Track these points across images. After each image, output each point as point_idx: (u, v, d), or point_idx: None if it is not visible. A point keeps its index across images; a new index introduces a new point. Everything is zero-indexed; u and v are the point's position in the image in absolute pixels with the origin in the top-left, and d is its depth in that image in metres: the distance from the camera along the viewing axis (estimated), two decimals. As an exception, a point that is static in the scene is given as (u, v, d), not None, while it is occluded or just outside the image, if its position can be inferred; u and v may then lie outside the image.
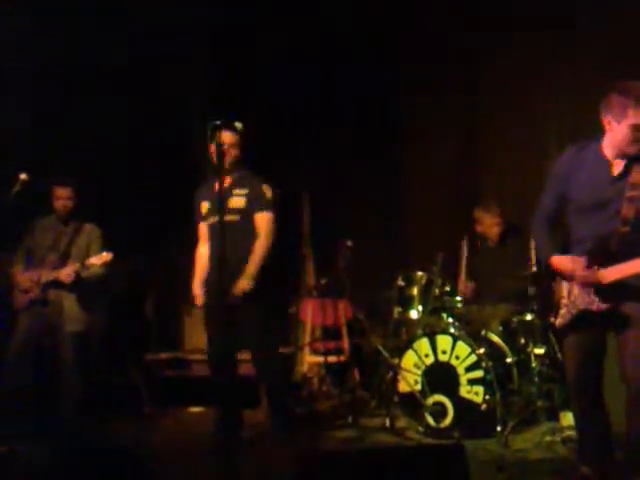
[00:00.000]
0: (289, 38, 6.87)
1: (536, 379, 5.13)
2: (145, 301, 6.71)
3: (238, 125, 4.14)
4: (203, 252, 4.95)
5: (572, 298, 3.69)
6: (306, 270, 7.16)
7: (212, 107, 6.87)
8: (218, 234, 4.56)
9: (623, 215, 3.56)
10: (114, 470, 3.16)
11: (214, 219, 4.76)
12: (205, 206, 4.89)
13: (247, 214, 4.76)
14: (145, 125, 6.29)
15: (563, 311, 3.75)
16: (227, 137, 4.66)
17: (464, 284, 5.77)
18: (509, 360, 5.27)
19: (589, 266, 3.66)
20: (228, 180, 4.79)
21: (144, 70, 6.50)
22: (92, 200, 5.52)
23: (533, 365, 5.18)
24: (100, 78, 6.30)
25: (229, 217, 4.65)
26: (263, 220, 4.78)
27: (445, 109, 6.82)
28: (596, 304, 3.61)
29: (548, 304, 3.87)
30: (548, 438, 4.79)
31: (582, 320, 3.70)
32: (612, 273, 3.58)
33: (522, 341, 5.33)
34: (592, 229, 3.71)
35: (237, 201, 4.75)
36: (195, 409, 6.10)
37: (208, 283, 4.86)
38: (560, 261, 3.74)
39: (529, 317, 5.37)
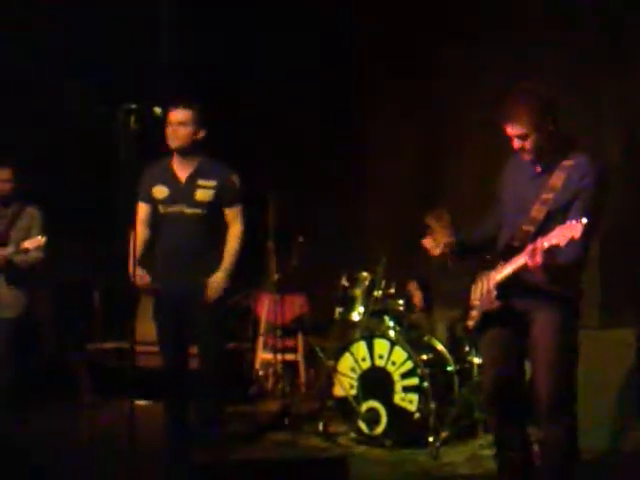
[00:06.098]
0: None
1: (476, 390, 4.94)
2: (93, 289, 6.57)
3: (157, 110, 3.90)
4: (143, 232, 4.52)
5: (478, 300, 3.58)
6: (269, 264, 6.99)
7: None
8: (179, 225, 4.42)
9: (532, 215, 3.46)
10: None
11: (175, 208, 4.45)
12: (162, 191, 4.49)
13: (213, 208, 4.45)
14: (84, 108, 6.08)
15: (474, 313, 3.64)
16: (176, 115, 4.35)
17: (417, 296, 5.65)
18: (450, 368, 5.09)
19: (495, 264, 3.55)
20: (189, 167, 4.46)
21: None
22: (31, 184, 5.38)
23: (474, 375, 4.99)
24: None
25: (193, 210, 4.41)
26: (235, 214, 4.51)
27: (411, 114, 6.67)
28: (495, 302, 3.49)
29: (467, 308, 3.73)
30: (484, 452, 4.62)
31: (489, 322, 3.57)
32: (500, 271, 3.49)
33: (467, 349, 5.13)
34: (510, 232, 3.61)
35: (203, 194, 4.41)
36: (141, 402, 5.95)
37: (161, 276, 4.53)
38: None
39: (474, 325, 5.15)
